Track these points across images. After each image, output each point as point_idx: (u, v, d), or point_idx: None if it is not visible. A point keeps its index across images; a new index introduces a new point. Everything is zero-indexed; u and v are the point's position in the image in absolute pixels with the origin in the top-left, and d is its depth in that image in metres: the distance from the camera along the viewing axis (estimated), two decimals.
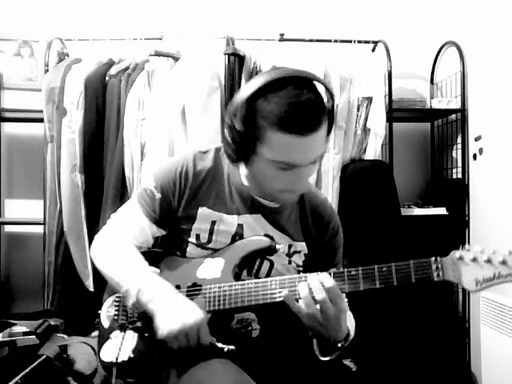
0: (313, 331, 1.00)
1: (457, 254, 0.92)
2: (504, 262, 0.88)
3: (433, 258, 0.93)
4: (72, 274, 2.17)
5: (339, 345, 1.00)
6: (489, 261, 0.89)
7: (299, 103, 0.95)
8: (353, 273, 0.97)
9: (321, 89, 1.01)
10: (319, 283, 0.95)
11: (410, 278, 0.94)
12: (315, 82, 1.00)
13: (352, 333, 1.06)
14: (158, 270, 1.09)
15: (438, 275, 0.92)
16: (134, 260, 1.11)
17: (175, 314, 0.98)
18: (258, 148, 1.00)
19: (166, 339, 0.97)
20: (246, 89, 0.99)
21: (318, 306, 0.95)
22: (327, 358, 1.03)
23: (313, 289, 0.95)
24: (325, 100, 1.01)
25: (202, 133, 2.14)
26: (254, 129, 0.98)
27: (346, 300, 1.04)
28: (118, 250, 1.14)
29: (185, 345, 0.97)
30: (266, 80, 0.97)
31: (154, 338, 1.00)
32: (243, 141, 1.00)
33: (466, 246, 0.92)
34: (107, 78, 2.25)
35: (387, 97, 2.38)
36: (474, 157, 2.42)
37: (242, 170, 1.11)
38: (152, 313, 1.00)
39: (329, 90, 1.03)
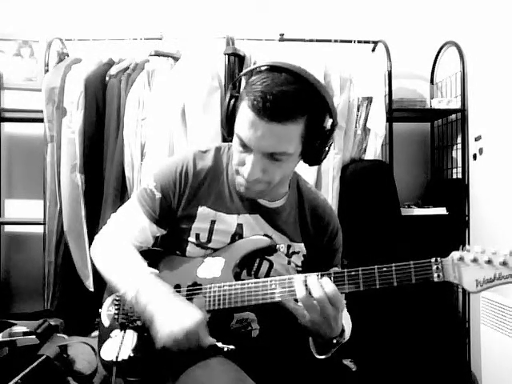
0: (310, 329, 1.00)
1: (457, 254, 0.92)
2: (505, 263, 0.87)
3: (433, 259, 0.93)
4: (72, 274, 2.17)
5: (334, 341, 1.01)
6: (489, 261, 0.88)
7: (274, 90, 0.96)
8: (353, 273, 0.97)
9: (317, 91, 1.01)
10: (319, 285, 0.95)
11: (410, 278, 0.94)
12: (316, 84, 1.00)
13: (347, 330, 1.07)
14: (157, 271, 1.09)
15: (439, 276, 0.92)
16: (132, 262, 1.11)
17: (173, 318, 0.97)
18: (234, 121, 1.05)
19: (166, 344, 0.97)
20: (253, 66, 1.07)
21: (316, 307, 0.95)
22: (323, 357, 1.04)
23: (312, 291, 0.95)
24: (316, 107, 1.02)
25: (202, 133, 2.14)
26: (236, 100, 1.05)
27: (345, 302, 1.05)
28: (118, 251, 1.14)
29: (185, 348, 0.97)
30: (263, 63, 1.03)
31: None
32: (229, 110, 1.07)
33: (467, 246, 0.92)
34: (107, 78, 2.25)
35: (387, 97, 2.38)
36: (474, 157, 2.42)
37: None
38: (150, 316, 1.00)
39: (324, 97, 1.01)
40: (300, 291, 0.97)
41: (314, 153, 1.07)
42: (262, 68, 1.03)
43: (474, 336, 2.37)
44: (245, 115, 1.00)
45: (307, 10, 2.63)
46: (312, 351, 1.05)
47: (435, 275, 0.92)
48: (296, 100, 0.98)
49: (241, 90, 1.05)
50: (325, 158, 1.09)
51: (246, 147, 1.02)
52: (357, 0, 2.68)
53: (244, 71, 1.09)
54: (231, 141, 1.09)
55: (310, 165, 1.10)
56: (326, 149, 1.07)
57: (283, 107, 0.96)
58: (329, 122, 1.04)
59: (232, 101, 1.06)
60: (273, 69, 1.01)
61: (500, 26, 2.20)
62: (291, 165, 1.08)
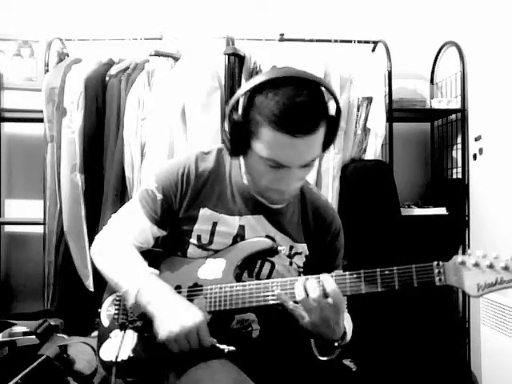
0: (311, 331, 1.00)
1: (459, 258, 0.92)
2: (506, 268, 0.88)
3: (435, 263, 0.93)
4: (72, 274, 2.17)
5: (336, 344, 1.01)
6: (491, 266, 0.89)
7: (295, 104, 0.94)
8: (354, 276, 0.97)
9: (326, 94, 1.01)
10: (320, 287, 0.95)
11: (412, 282, 0.94)
12: (321, 87, 1.00)
13: (348, 332, 1.07)
14: (157, 272, 1.09)
15: (440, 280, 0.93)
16: (133, 261, 1.11)
17: (174, 316, 0.98)
18: (251, 142, 1.01)
19: (165, 342, 0.97)
20: (249, 83, 1.01)
21: (317, 309, 0.95)
22: (326, 358, 1.04)
23: (314, 294, 0.95)
24: (328, 104, 1.01)
25: (202, 133, 2.14)
26: (250, 123, 1.00)
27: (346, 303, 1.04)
28: (118, 250, 1.14)
29: (185, 348, 0.97)
30: (268, 77, 0.98)
31: (154, 338, 1.00)
32: (239, 133, 1.02)
33: (468, 250, 0.92)
34: (107, 78, 2.25)
35: (387, 97, 2.38)
36: (474, 157, 2.42)
37: (242, 165, 1.13)
38: (151, 315, 1.00)
39: (334, 96, 1.02)
40: (299, 293, 0.96)
41: (329, 142, 1.06)
42: (263, 84, 0.98)
43: (474, 336, 2.38)
44: (269, 137, 0.96)
45: (307, 10, 2.63)
46: (314, 352, 1.05)
47: (437, 279, 0.93)
48: (316, 107, 0.97)
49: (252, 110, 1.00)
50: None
51: (279, 166, 1.00)
52: (357, 0, 2.68)
53: (244, 89, 1.01)
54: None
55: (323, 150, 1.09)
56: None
57: (309, 119, 0.96)
58: (334, 109, 1.04)
59: (239, 121, 1.01)
60: (279, 83, 0.97)
61: (500, 26, 2.20)
62: None
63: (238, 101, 1.02)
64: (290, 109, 0.94)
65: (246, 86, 1.01)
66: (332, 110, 1.04)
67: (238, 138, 1.02)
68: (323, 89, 1.01)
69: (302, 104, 0.95)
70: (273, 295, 1.02)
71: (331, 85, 2.23)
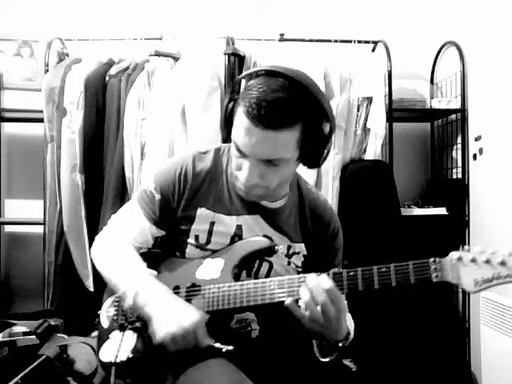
0: (314, 333, 0.99)
1: (456, 254, 0.92)
2: (503, 263, 0.87)
3: (432, 259, 0.93)
4: (72, 274, 2.17)
5: (340, 344, 1.00)
6: (488, 261, 0.88)
7: (268, 96, 0.96)
8: (352, 273, 0.97)
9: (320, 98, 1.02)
10: (319, 285, 0.95)
11: (408, 278, 0.94)
12: (311, 90, 1.00)
13: (351, 332, 1.06)
14: (155, 273, 1.10)
15: (437, 276, 0.92)
16: (132, 263, 1.11)
17: (171, 317, 0.98)
18: (232, 124, 1.04)
19: (163, 343, 0.98)
20: (247, 71, 1.07)
21: (318, 308, 0.94)
22: (327, 359, 1.03)
23: (313, 291, 0.95)
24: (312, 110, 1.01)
25: (201, 133, 2.14)
26: (234, 104, 1.04)
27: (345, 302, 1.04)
28: (117, 252, 1.15)
29: (183, 347, 0.97)
30: (261, 67, 1.03)
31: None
32: (227, 113, 1.06)
33: (466, 246, 0.92)
34: (107, 78, 2.25)
35: (387, 97, 2.38)
36: (474, 157, 2.42)
37: None
38: (148, 316, 1.01)
39: (321, 104, 1.01)
40: (303, 293, 0.96)
41: (312, 157, 1.07)
42: (260, 72, 1.03)
43: (474, 336, 2.37)
44: (241, 122, 1.00)
45: (307, 10, 2.63)
46: (316, 354, 1.05)
47: (434, 275, 0.92)
48: (291, 107, 0.97)
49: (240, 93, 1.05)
50: (324, 160, 1.09)
51: (242, 153, 1.02)
52: (357, 0, 2.67)
53: (243, 74, 1.08)
54: (231, 142, 1.09)
55: (309, 167, 1.10)
56: (325, 152, 1.07)
57: (278, 115, 0.96)
58: (327, 127, 1.04)
59: (230, 104, 1.06)
60: (269, 73, 1.01)
61: (500, 26, 2.20)
62: (290, 169, 1.08)
63: (234, 84, 1.09)
64: (262, 99, 0.96)
65: (244, 72, 1.07)
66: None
67: (226, 118, 1.06)
68: (323, 94, 1.03)
69: (274, 99, 0.96)
70: (271, 294, 1.02)
71: (332, 85, 2.23)
